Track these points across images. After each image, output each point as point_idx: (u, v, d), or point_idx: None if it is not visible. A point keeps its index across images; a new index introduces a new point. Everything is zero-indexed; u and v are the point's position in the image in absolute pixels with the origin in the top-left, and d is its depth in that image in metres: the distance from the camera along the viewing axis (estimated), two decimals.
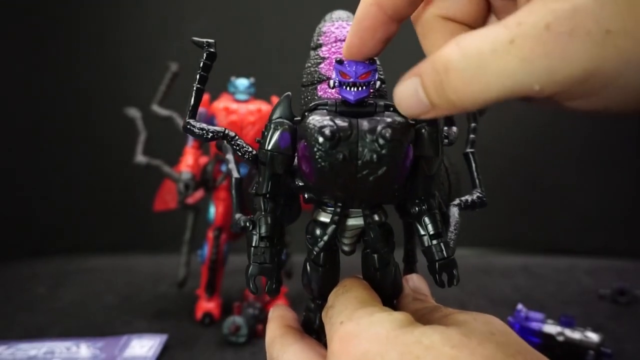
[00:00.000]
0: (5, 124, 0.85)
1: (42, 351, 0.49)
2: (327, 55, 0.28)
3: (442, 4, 0.25)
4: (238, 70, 0.57)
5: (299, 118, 0.25)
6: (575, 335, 0.47)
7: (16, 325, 0.57)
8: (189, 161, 0.55)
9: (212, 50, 0.26)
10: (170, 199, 0.60)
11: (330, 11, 0.30)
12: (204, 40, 0.26)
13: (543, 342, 0.47)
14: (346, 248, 0.27)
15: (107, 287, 0.68)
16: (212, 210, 0.57)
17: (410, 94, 0.21)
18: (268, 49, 0.86)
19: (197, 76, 0.25)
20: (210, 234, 0.57)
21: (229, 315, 0.53)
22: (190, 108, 0.25)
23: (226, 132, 0.26)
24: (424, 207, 0.25)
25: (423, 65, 0.20)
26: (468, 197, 0.28)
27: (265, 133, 0.25)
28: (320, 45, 0.28)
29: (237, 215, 0.27)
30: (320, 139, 0.22)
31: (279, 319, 0.28)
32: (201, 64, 0.25)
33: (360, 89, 0.24)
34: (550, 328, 0.47)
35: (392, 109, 0.24)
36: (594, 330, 0.47)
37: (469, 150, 0.29)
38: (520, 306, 0.49)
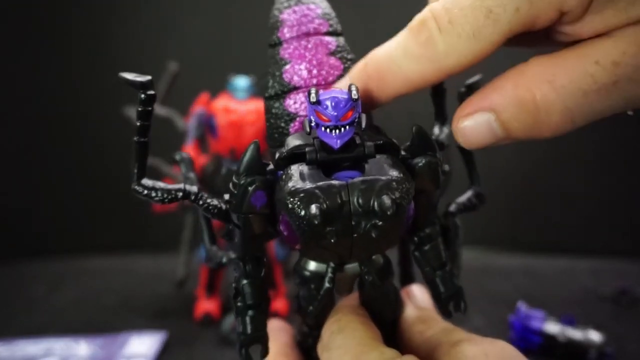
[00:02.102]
0: (4, 124, 0.85)
1: (41, 349, 0.49)
2: (288, 59, 0.23)
3: None
4: (237, 69, 0.57)
5: (271, 167, 0.21)
6: (577, 334, 0.46)
7: (16, 324, 0.57)
8: None
9: (150, 92, 0.21)
10: None
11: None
12: (137, 79, 0.20)
13: (544, 341, 0.47)
14: (345, 293, 0.25)
15: (106, 287, 0.68)
16: None
17: (481, 128, 0.20)
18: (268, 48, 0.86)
19: (137, 127, 0.21)
20: None
21: (229, 314, 0.53)
22: (137, 167, 0.21)
23: (186, 189, 0.22)
24: (424, 236, 0.23)
25: (498, 102, 0.20)
26: (465, 199, 0.26)
27: (236, 192, 0.20)
28: (279, 43, 0.24)
29: (213, 249, 0.24)
30: (306, 219, 0.18)
31: (279, 336, 0.27)
32: (139, 111, 0.21)
33: (343, 130, 0.20)
34: (552, 327, 0.47)
35: (381, 142, 0.21)
36: (596, 329, 0.47)
37: None
38: (520, 304, 0.49)
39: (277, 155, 0.21)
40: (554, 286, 0.68)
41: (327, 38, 0.24)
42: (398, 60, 0.20)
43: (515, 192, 0.88)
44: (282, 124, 0.23)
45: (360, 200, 0.19)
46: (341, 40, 0.24)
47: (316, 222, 0.18)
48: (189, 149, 0.56)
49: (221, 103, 0.55)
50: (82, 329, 0.55)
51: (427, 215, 0.23)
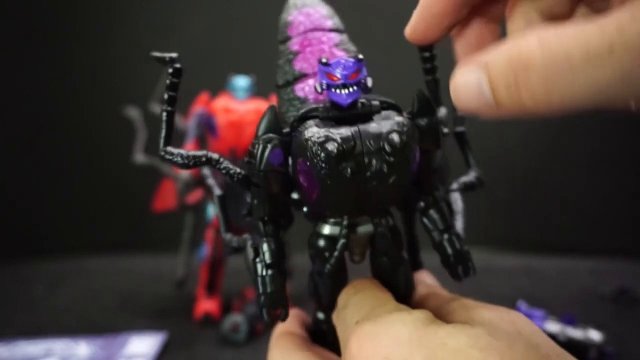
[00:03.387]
0: (4, 124, 0.85)
1: (41, 349, 0.49)
2: (298, 49, 0.26)
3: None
4: (237, 68, 0.57)
5: (287, 130, 0.23)
6: (577, 334, 0.46)
7: (15, 324, 0.57)
8: None
9: (177, 66, 0.23)
10: (170, 199, 0.60)
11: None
12: (166, 55, 0.23)
13: None
14: (357, 257, 0.25)
15: (106, 287, 0.68)
16: (211, 210, 0.57)
17: (472, 87, 0.18)
18: (268, 48, 0.86)
19: (166, 97, 0.23)
20: (210, 234, 0.57)
21: (229, 314, 0.53)
22: (164, 134, 0.23)
23: (209, 155, 0.24)
24: (429, 201, 0.25)
25: (493, 56, 0.18)
26: (466, 179, 0.27)
27: (255, 151, 0.22)
28: (289, 38, 0.26)
29: (227, 236, 0.25)
30: (324, 156, 0.20)
31: (283, 325, 0.27)
32: (168, 83, 0.23)
33: (351, 90, 0.22)
34: (552, 326, 0.47)
35: (386, 105, 0.23)
36: (596, 329, 0.47)
37: (459, 129, 0.27)
38: (520, 303, 0.49)
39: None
40: (554, 286, 0.68)
41: (331, 34, 0.26)
42: (578, 60, 0.16)
43: (516, 192, 0.88)
44: (293, 108, 0.25)
45: (371, 141, 0.21)
46: (344, 36, 0.27)
47: (333, 157, 0.20)
48: (189, 149, 0.56)
49: (221, 103, 0.55)
50: (82, 328, 0.55)
51: (431, 178, 0.25)
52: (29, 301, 0.64)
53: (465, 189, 0.27)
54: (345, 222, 0.23)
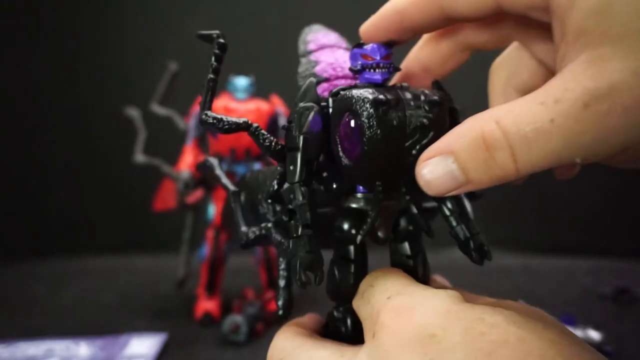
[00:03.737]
0: (4, 124, 0.85)
1: (41, 350, 0.49)
2: (320, 59, 0.27)
3: (457, 31, 0.26)
4: (237, 69, 0.57)
5: (324, 103, 0.24)
6: (577, 333, 0.47)
7: (15, 324, 0.57)
8: (189, 160, 0.55)
9: (222, 41, 0.25)
10: (170, 199, 0.60)
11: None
12: (212, 32, 0.25)
13: None
14: (382, 234, 0.25)
15: (107, 287, 0.68)
16: (212, 210, 0.57)
17: (441, 173, 0.20)
18: (268, 48, 0.86)
19: (211, 67, 0.25)
20: (210, 234, 0.57)
21: (229, 314, 0.53)
22: (207, 99, 0.24)
23: (249, 122, 0.24)
24: None
25: (454, 142, 0.20)
26: None
27: (296, 117, 0.23)
28: (310, 52, 0.28)
29: (244, 229, 0.26)
30: (372, 106, 0.21)
31: (289, 325, 0.26)
32: (213, 56, 0.25)
33: (384, 70, 0.24)
34: None
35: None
36: (595, 328, 0.47)
37: None
38: (521, 302, 0.49)
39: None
40: (553, 285, 0.69)
41: (346, 52, 0.28)
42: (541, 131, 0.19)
43: (515, 192, 0.88)
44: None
45: (412, 101, 0.22)
46: None
47: (381, 103, 0.21)
48: (189, 149, 0.56)
49: (221, 103, 0.55)
50: (82, 329, 0.55)
51: None
52: (29, 301, 0.64)
53: (467, 195, 0.27)
54: (380, 188, 0.23)
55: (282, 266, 0.25)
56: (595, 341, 0.46)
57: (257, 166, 0.57)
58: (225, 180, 0.28)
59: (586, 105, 0.17)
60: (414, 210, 0.25)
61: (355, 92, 0.22)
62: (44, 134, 0.86)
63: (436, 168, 0.20)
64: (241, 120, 0.24)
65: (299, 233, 0.23)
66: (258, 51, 0.86)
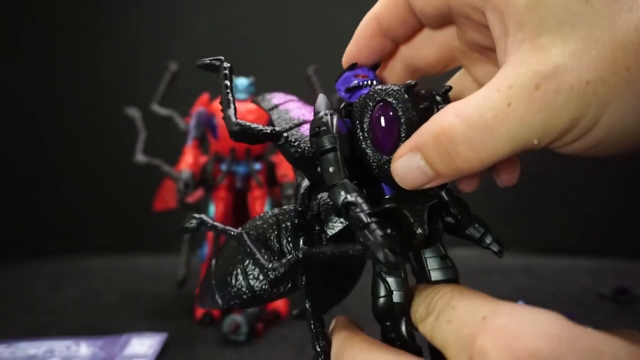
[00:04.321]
0: (4, 124, 0.85)
1: (41, 350, 0.49)
2: (289, 108, 0.28)
3: (408, 53, 0.28)
4: (237, 69, 0.57)
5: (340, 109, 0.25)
6: None
7: (16, 324, 0.57)
8: (189, 160, 0.55)
9: (227, 65, 0.25)
10: (170, 199, 0.60)
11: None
12: (215, 59, 0.25)
13: None
14: (422, 231, 0.23)
15: (107, 287, 0.68)
16: (212, 210, 0.57)
17: (412, 169, 0.21)
18: (268, 48, 0.86)
19: (225, 87, 0.25)
20: (210, 234, 0.57)
21: (229, 314, 0.53)
22: (232, 109, 0.24)
23: (278, 132, 0.24)
24: (447, 190, 0.26)
25: (420, 139, 0.21)
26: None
27: (324, 121, 0.23)
28: (277, 105, 0.29)
29: (275, 264, 0.25)
30: (405, 91, 0.22)
31: (343, 330, 0.24)
32: (226, 79, 0.25)
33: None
34: None
35: None
36: (594, 329, 0.47)
37: None
38: (520, 303, 0.49)
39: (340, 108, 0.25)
40: (553, 286, 0.69)
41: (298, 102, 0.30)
42: (484, 124, 0.21)
43: (515, 192, 0.88)
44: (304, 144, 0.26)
45: (425, 93, 0.23)
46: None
47: (411, 93, 0.22)
48: (189, 149, 0.56)
49: None
50: (82, 329, 0.55)
51: None
52: (29, 301, 0.64)
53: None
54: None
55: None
56: None
57: (257, 166, 0.57)
58: (223, 226, 0.27)
59: (537, 86, 0.19)
60: (446, 197, 0.26)
61: (381, 86, 0.23)
62: (44, 134, 0.87)
63: (407, 164, 0.21)
64: (269, 129, 0.24)
65: (367, 221, 0.21)
66: (258, 51, 0.86)
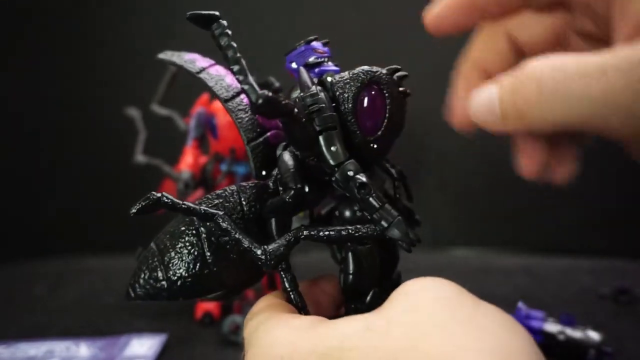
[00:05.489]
0: (4, 124, 0.85)
1: (41, 350, 0.49)
2: (220, 73, 0.28)
3: (515, 31, 0.26)
4: None
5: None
6: (576, 334, 0.47)
7: (16, 324, 0.57)
8: (189, 160, 0.55)
9: (223, 22, 0.25)
10: None
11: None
12: (211, 13, 0.25)
13: (544, 340, 0.47)
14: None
15: (107, 287, 0.68)
16: None
17: (484, 101, 0.20)
18: (268, 48, 0.86)
19: (231, 48, 0.24)
20: None
21: (229, 314, 0.53)
22: (251, 80, 0.23)
23: (291, 106, 0.22)
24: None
25: (505, 75, 0.20)
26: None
27: (320, 97, 0.23)
28: (204, 68, 0.28)
29: (273, 246, 0.22)
30: (391, 74, 0.24)
31: (272, 310, 0.23)
32: (226, 37, 0.24)
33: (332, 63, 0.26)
34: (551, 327, 0.47)
35: None
36: (595, 329, 0.47)
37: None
38: (520, 304, 0.49)
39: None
40: (553, 286, 0.69)
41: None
42: (585, 77, 0.19)
43: (515, 192, 0.88)
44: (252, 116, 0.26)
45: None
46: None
47: (396, 76, 0.24)
48: (189, 149, 0.56)
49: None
50: (82, 329, 0.55)
51: None
52: (29, 301, 0.64)
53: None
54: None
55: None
56: (595, 341, 0.46)
57: None
58: (191, 204, 0.23)
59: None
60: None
61: (367, 67, 0.23)
62: (44, 134, 0.86)
63: (482, 95, 0.21)
64: (285, 103, 0.21)
65: (383, 201, 0.21)
66: (258, 51, 0.86)
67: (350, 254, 0.24)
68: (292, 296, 0.23)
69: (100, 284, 0.70)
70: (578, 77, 0.18)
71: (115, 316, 0.59)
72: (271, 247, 0.22)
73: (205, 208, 0.23)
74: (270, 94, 0.20)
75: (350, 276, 0.24)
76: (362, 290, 0.24)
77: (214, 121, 0.55)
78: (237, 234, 0.22)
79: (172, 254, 0.23)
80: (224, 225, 0.22)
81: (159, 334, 0.52)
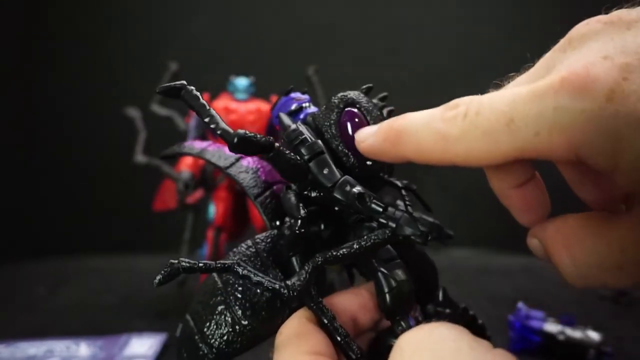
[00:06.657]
0: (4, 124, 0.85)
1: (41, 350, 0.49)
2: (218, 147, 0.28)
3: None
4: (237, 69, 0.57)
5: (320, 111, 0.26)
6: (576, 334, 0.47)
7: (16, 325, 0.57)
8: (189, 160, 0.55)
9: (191, 89, 0.24)
10: (170, 199, 0.60)
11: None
12: (177, 84, 0.24)
13: (544, 340, 0.47)
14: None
15: (107, 287, 0.68)
16: (212, 210, 0.57)
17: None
18: (268, 48, 0.86)
19: (203, 108, 0.23)
20: (210, 234, 0.57)
21: None
22: (223, 124, 0.23)
23: (271, 142, 0.22)
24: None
25: (541, 231, 0.24)
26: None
27: (300, 131, 0.24)
28: (205, 148, 0.28)
29: (295, 280, 0.22)
30: (365, 92, 0.25)
31: (299, 342, 0.23)
32: (195, 99, 0.23)
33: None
34: (551, 327, 0.47)
35: None
36: (595, 329, 0.47)
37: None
38: (520, 304, 0.49)
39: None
40: (553, 286, 0.68)
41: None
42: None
43: None
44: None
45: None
46: None
47: (368, 94, 0.25)
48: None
49: (221, 103, 0.55)
50: (82, 329, 0.55)
51: None
52: (29, 301, 0.64)
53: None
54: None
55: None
56: (595, 341, 0.46)
57: None
58: (208, 262, 0.24)
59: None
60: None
61: (341, 94, 0.25)
62: (44, 134, 0.87)
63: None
64: (263, 138, 0.22)
65: (384, 204, 0.22)
66: (258, 51, 0.86)
67: (379, 274, 0.23)
68: (330, 329, 0.23)
69: (100, 284, 0.70)
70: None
71: (115, 316, 0.59)
72: (291, 280, 0.22)
73: (221, 261, 0.23)
74: (245, 132, 0.21)
75: (387, 295, 0.23)
76: (401, 308, 0.24)
77: None
78: (256, 276, 0.22)
79: (209, 324, 0.25)
80: (243, 272, 0.22)
81: (159, 333, 0.52)
